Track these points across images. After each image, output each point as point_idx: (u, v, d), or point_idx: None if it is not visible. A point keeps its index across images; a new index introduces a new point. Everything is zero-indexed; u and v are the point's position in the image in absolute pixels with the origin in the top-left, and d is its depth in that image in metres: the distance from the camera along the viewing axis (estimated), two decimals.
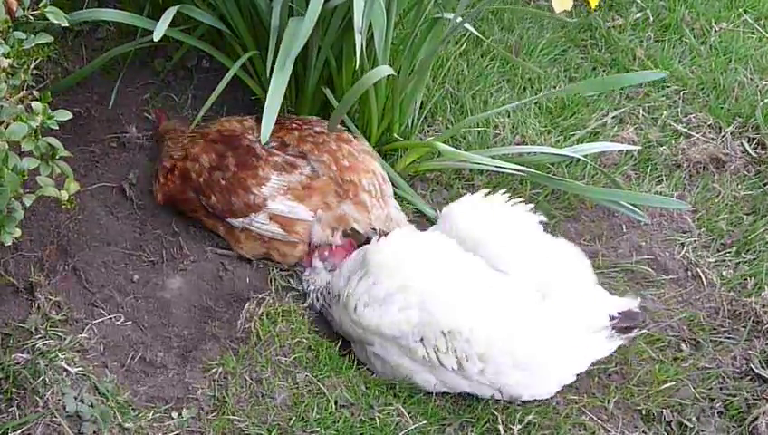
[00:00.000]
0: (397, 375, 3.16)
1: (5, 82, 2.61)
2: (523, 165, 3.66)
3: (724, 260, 3.64)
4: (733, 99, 4.23)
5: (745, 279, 3.57)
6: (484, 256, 3.17)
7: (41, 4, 2.76)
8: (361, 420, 3.06)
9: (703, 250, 3.67)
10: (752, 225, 3.75)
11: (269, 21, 3.33)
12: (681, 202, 3.76)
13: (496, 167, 3.62)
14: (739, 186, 3.90)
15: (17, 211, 2.62)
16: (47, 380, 2.94)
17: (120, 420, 2.94)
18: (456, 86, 4.19)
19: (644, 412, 3.18)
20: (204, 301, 3.38)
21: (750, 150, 4.04)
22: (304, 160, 3.47)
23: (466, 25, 3.86)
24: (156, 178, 3.60)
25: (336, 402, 3.09)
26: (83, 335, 3.15)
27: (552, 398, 3.16)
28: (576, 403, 3.17)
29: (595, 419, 3.15)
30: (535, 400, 3.14)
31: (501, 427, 3.08)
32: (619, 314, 3.16)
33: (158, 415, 3.01)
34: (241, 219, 3.43)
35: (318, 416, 3.04)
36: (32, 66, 2.81)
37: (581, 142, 3.96)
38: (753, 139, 4.08)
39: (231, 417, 3.02)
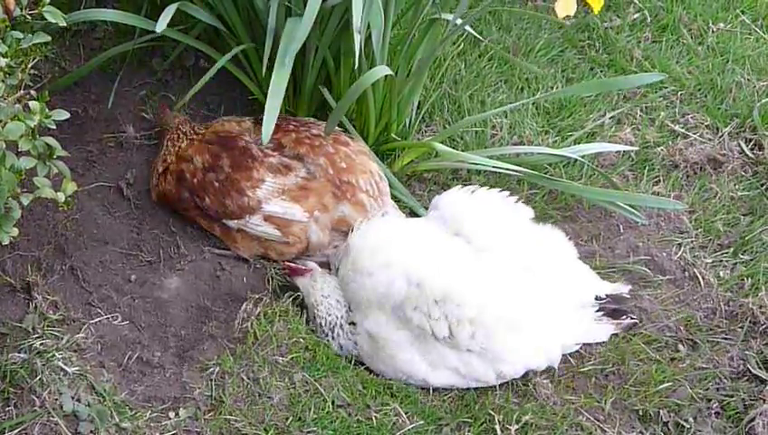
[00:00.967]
0: (382, 356, 3.17)
1: (3, 81, 2.61)
2: (520, 165, 3.66)
3: (722, 261, 3.65)
4: (730, 99, 4.23)
5: (742, 280, 3.57)
6: (470, 238, 3.26)
7: (39, 4, 2.76)
8: (358, 419, 3.07)
9: (700, 251, 3.68)
10: (749, 225, 3.76)
11: (266, 20, 3.33)
12: (678, 203, 3.76)
13: (494, 167, 3.62)
14: (736, 186, 3.90)
15: (15, 211, 2.61)
16: (44, 379, 2.94)
17: (117, 420, 2.94)
18: (454, 86, 4.19)
19: (641, 413, 3.19)
20: (201, 301, 3.38)
21: (747, 151, 4.04)
22: (300, 163, 3.47)
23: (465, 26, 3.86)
24: (152, 175, 3.60)
25: (333, 402, 3.09)
26: (80, 335, 3.15)
27: (549, 398, 3.16)
28: (573, 403, 3.17)
29: (592, 419, 3.15)
30: (530, 379, 3.15)
31: (498, 427, 3.08)
32: (607, 296, 3.30)
33: (155, 415, 3.01)
34: (236, 221, 3.43)
35: (315, 416, 3.04)
36: (29, 66, 2.80)
37: (579, 143, 3.97)
38: (751, 139, 4.08)
39: (228, 417, 3.02)
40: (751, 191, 3.90)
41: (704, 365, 3.31)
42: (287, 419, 3.03)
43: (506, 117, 4.07)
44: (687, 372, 3.28)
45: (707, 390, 3.24)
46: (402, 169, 3.80)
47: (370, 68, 3.41)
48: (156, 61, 4.04)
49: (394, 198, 3.64)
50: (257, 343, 3.18)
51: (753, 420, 3.12)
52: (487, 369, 3.14)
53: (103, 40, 4.07)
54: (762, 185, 3.92)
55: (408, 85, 3.75)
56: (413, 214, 3.69)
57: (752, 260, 3.64)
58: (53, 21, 2.79)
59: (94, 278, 3.36)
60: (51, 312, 3.17)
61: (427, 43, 3.70)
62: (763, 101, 4.19)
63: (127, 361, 3.16)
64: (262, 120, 3.50)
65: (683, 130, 4.11)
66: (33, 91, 2.68)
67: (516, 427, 3.08)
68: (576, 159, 3.82)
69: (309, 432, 3.01)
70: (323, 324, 3.24)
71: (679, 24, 4.59)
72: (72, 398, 2.93)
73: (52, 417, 2.88)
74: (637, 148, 3.99)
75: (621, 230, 3.74)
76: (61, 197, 2.63)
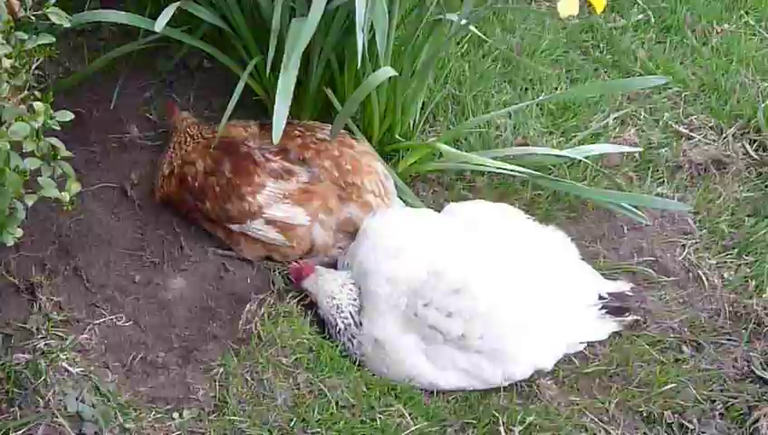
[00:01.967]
0: (387, 361, 3.18)
1: (7, 82, 2.60)
2: (524, 166, 3.66)
3: (726, 262, 3.64)
4: (734, 100, 4.22)
5: (747, 281, 3.56)
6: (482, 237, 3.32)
7: (44, 5, 2.76)
8: (362, 421, 3.06)
9: (704, 252, 3.67)
10: (753, 226, 3.75)
11: (270, 21, 3.33)
12: (682, 204, 3.76)
13: (498, 168, 3.63)
14: (740, 187, 3.90)
15: (19, 211, 2.61)
16: (48, 380, 2.94)
17: (121, 421, 2.94)
18: (458, 87, 4.19)
19: (645, 414, 3.18)
20: (205, 301, 3.38)
21: (751, 152, 4.03)
22: (302, 167, 3.47)
23: (469, 26, 3.86)
24: (157, 177, 3.60)
25: (337, 403, 3.08)
26: (84, 336, 3.15)
27: (553, 399, 3.16)
28: (577, 405, 3.17)
29: (596, 420, 3.14)
30: (534, 380, 3.16)
31: (502, 428, 3.07)
32: (610, 294, 3.31)
33: (159, 415, 3.01)
34: (237, 225, 3.44)
35: (319, 417, 3.04)
36: (33, 66, 2.80)
37: (583, 144, 3.96)
38: (755, 140, 4.08)
39: (232, 417, 3.02)
40: (755, 192, 3.89)
41: (708, 367, 3.31)
42: (291, 420, 3.03)
43: (510, 118, 4.07)
44: (691, 374, 3.27)
45: (711, 391, 3.23)
46: (406, 170, 3.80)
47: (374, 69, 3.41)
48: (160, 62, 4.04)
49: (398, 198, 3.64)
50: (261, 343, 3.18)
51: (757, 421, 3.12)
52: (496, 370, 3.14)
53: (107, 41, 4.08)
54: (766, 186, 3.91)
55: (411, 86, 3.75)
56: None
57: (756, 261, 3.63)
58: (58, 22, 2.79)
59: (98, 279, 3.36)
60: (55, 312, 3.18)
61: (431, 44, 3.70)
62: None
63: (131, 361, 3.16)
64: (267, 124, 3.52)
65: (687, 132, 4.11)
66: (37, 92, 2.68)
67: (520, 428, 3.07)
68: (580, 160, 3.82)
69: (313, 433, 3.01)
70: (333, 323, 3.24)
71: (683, 25, 4.59)
72: (77, 398, 2.93)
73: (57, 418, 2.88)
74: (641, 149, 3.99)
75: (625, 231, 3.74)
76: (65, 197, 2.62)
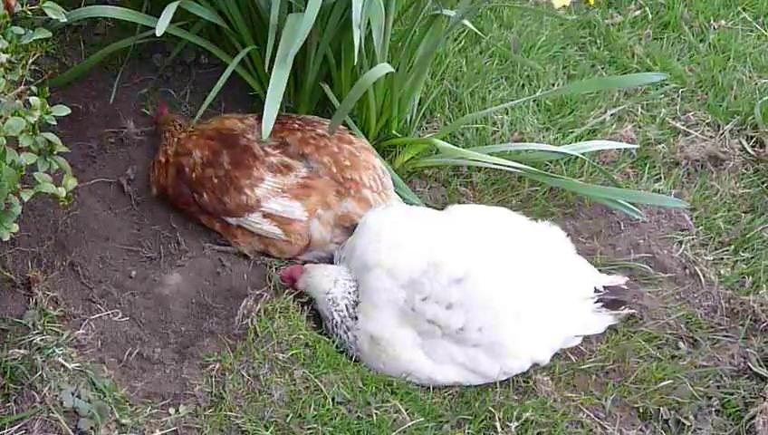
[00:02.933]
0: (383, 357, 3.18)
1: (3, 77, 2.61)
2: (521, 162, 3.66)
3: (722, 258, 3.64)
4: (731, 97, 4.23)
5: (743, 277, 3.57)
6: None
7: (41, 0, 2.76)
8: (359, 416, 3.06)
9: (701, 248, 3.67)
10: (750, 223, 3.75)
11: (268, 16, 3.33)
12: (679, 200, 3.76)
13: (494, 164, 3.63)
14: (737, 184, 3.90)
15: (15, 206, 2.61)
16: (44, 375, 2.94)
17: (117, 416, 2.94)
18: (455, 83, 4.19)
19: (641, 410, 3.19)
20: (201, 297, 3.38)
21: (748, 148, 4.04)
22: (301, 162, 3.47)
23: (465, 22, 3.86)
24: (151, 170, 3.60)
25: (333, 399, 3.09)
26: (81, 331, 3.15)
27: (549, 395, 3.16)
28: (573, 401, 3.17)
29: (592, 416, 3.15)
30: (530, 376, 3.16)
31: (498, 424, 3.08)
32: (605, 288, 3.32)
33: (155, 411, 3.01)
34: (235, 218, 3.43)
35: (315, 413, 3.04)
36: (30, 61, 2.81)
37: (580, 140, 3.97)
38: (752, 137, 4.08)
39: (228, 413, 3.02)
40: (752, 189, 3.89)
41: (704, 363, 3.31)
42: (287, 415, 3.03)
43: (507, 114, 4.07)
44: (688, 370, 3.28)
45: (708, 387, 3.24)
46: (403, 166, 3.80)
47: (371, 64, 3.41)
48: (157, 57, 4.04)
49: (395, 194, 3.64)
50: (257, 339, 3.18)
51: (753, 417, 3.12)
52: (494, 363, 3.15)
53: (104, 36, 4.07)
54: (763, 182, 3.91)
55: (408, 82, 3.75)
56: None
57: (752, 258, 3.63)
58: (54, 17, 2.79)
59: (94, 274, 3.36)
60: (51, 308, 3.17)
61: (428, 40, 3.70)
62: (765, 98, 4.18)
63: (127, 357, 3.16)
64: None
65: (684, 128, 4.11)
66: (33, 87, 2.68)
67: (516, 424, 3.07)
68: (577, 157, 3.82)
69: (309, 429, 3.01)
70: (330, 317, 3.24)
71: (680, 21, 4.60)
72: (73, 394, 2.93)
73: (53, 413, 2.88)
74: (638, 145, 3.99)
75: (622, 227, 3.74)
76: (61, 192, 2.63)
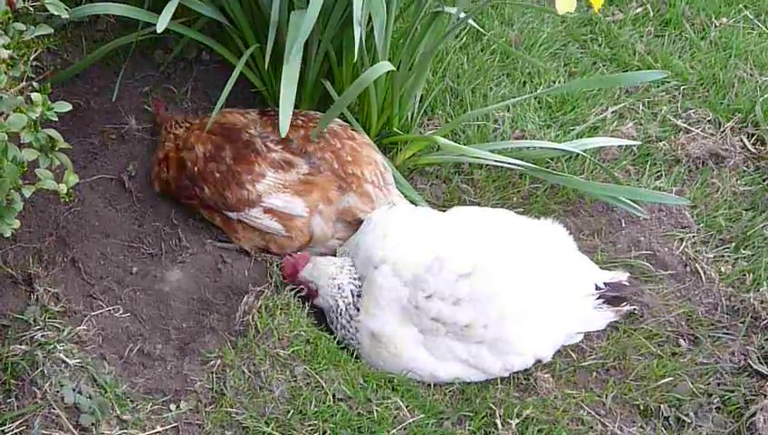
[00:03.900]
0: (384, 354, 3.18)
1: (5, 73, 2.61)
2: (522, 159, 3.66)
3: (723, 256, 3.65)
4: (732, 94, 4.23)
5: (744, 275, 3.57)
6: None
7: None
8: (359, 413, 3.07)
9: (702, 246, 3.68)
10: (750, 220, 3.75)
11: (269, 13, 3.33)
12: (680, 197, 3.76)
13: (496, 161, 3.63)
14: (738, 181, 3.90)
15: (16, 202, 2.62)
16: (45, 371, 2.94)
17: (118, 412, 2.94)
18: (456, 80, 4.19)
19: (642, 407, 3.19)
20: (202, 293, 3.38)
21: (749, 146, 4.04)
22: (303, 158, 3.47)
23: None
24: (153, 164, 3.60)
25: (334, 395, 3.09)
26: (82, 327, 3.15)
27: (549, 392, 3.17)
28: (574, 398, 3.18)
29: (593, 413, 3.15)
30: (531, 373, 3.17)
31: (498, 421, 3.08)
32: (606, 284, 3.31)
33: (156, 407, 3.01)
34: (236, 213, 3.44)
35: (316, 409, 3.04)
36: (32, 58, 2.80)
37: (581, 137, 3.97)
38: (753, 134, 4.08)
39: (229, 409, 3.02)
40: (753, 186, 3.89)
41: (705, 360, 3.32)
42: (288, 412, 3.03)
43: (508, 111, 4.07)
44: (688, 367, 3.28)
45: (708, 385, 3.24)
46: (404, 163, 3.80)
47: (373, 62, 3.41)
48: (158, 54, 4.04)
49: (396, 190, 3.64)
50: (258, 335, 3.18)
51: (753, 415, 3.13)
52: (496, 360, 3.15)
53: (106, 32, 4.07)
54: (764, 180, 3.92)
55: (410, 79, 3.75)
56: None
57: (753, 255, 3.64)
58: (56, 13, 2.79)
59: (96, 270, 3.36)
60: (52, 304, 3.18)
61: (430, 37, 3.70)
62: (766, 96, 4.18)
63: (128, 353, 3.16)
64: (267, 111, 3.51)
65: (685, 125, 4.11)
66: (35, 83, 2.68)
67: (517, 421, 3.08)
68: (578, 154, 3.82)
69: (310, 425, 3.01)
70: (335, 305, 3.25)
71: (682, 19, 4.60)
72: (74, 390, 2.93)
73: (54, 409, 2.88)
74: (639, 142, 3.99)
75: (623, 225, 3.74)
76: (62, 188, 2.63)
